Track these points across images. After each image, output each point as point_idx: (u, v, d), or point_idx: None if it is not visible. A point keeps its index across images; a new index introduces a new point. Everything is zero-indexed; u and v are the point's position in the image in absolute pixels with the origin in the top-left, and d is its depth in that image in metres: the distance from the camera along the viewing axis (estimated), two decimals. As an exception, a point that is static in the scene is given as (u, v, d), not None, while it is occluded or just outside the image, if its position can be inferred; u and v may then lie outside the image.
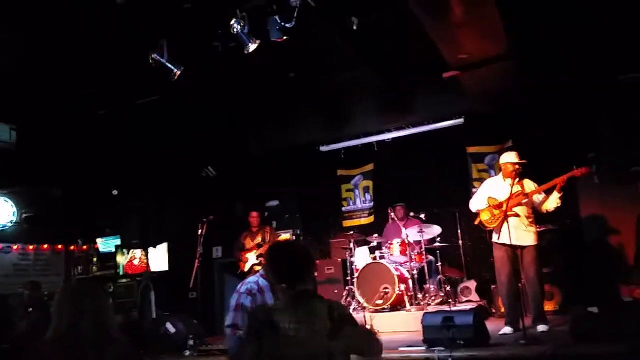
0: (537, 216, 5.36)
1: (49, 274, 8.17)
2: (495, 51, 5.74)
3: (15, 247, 8.01)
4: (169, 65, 5.49)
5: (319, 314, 2.27)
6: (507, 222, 5.11)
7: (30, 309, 5.99)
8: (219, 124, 7.59)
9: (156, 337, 5.88)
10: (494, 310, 6.38)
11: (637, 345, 3.80)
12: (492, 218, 5.28)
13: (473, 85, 6.52)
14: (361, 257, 7.05)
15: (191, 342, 5.56)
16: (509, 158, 5.34)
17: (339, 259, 7.68)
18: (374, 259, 6.93)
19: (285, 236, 7.47)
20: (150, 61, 5.45)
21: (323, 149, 8.70)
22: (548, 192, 5.20)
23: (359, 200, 8.82)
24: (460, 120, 7.57)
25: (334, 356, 2.22)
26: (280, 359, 2.26)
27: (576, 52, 5.88)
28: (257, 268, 6.69)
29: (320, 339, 2.22)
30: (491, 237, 5.36)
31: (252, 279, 3.27)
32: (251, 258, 7.02)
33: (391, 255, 6.88)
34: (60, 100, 6.76)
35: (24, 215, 8.10)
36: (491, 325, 5.04)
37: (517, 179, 5.24)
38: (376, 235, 7.34)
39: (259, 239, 7.07)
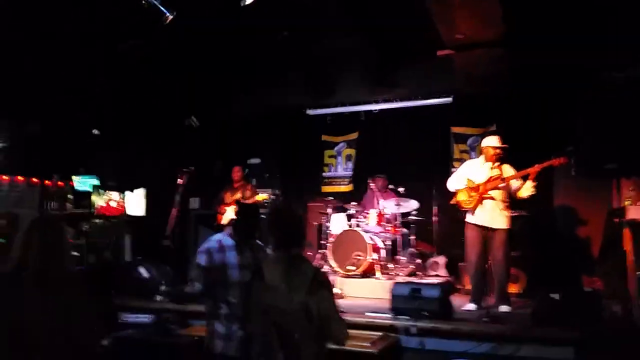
0: (512, 201, 5.51)
1: (22, 206, 8.04)
2: (491, 35, 5.77)
3: (-11, 176, 7.85)
4: (161, 8, 5.35)
5: (304, 273, 2.54)
6: (482, 204, 5.28)
7: (5, 240, 5.94)
8: (207, 77, 7.47)
9: (128, 279, 5.92)
10: (459, 287, 6.60)
11: (590, 332, 4.03)
12: (469, 199, 5.41)
13: (465, 66, 6.55)
14: (337, 223, 7.16)
15: (163, 288, 5.63)
16: (491, 141, 5.44)
17: (315, 223, 7.78)
18: (350, 226, 7.05)
19: (263, 195, 7.47)
20: (142, 1, 5.29)
21: (309, 112, 8.71)
22: (525, 179, 5.32)
23: (340, 167, 8.90)
24: (449, 99, 7.65)
25: (310, 309, 2.45)
26: (267, 308, 2.53)
27: (567, 46, 5.94)
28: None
29: (298, 293, 2.47)
30: (465, 217, 5.50)
31: (216, 236, 3.37)
32: (228, 212, 7.04)
33: (367, 224, 7.01)
34: (43, 32, 6.54)
35: (0, 146, 7.93)
36: (456, 300, 5.25)
37: (497, 163, 5.37)
38: (354, 203, 7.45)
39: (238, 195, 7.08)
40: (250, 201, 6.77)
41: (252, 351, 2.63)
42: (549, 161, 5.15)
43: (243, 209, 3.54)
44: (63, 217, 7.24)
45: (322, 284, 2.58)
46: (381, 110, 8.25)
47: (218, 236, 3.36)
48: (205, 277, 3.21)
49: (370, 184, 7.49)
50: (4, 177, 7.98)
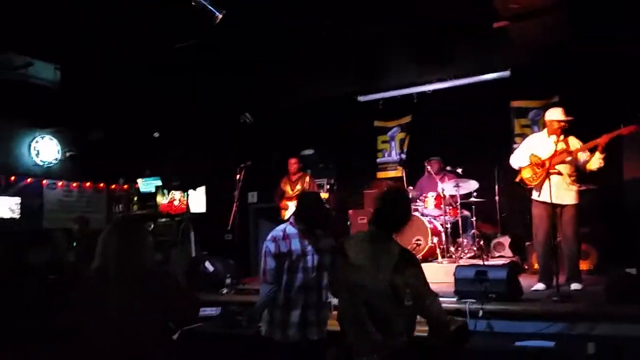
0: (580, 175, 5.25)
1: (91, 211, 8.50)
2: (547, 2, 5.50)
3: (59, 183, 8.33)
4: (211, 8, 5.44)
5: (390, 252, 2.54)
6: (549, 180, 5.04)
7: (75, 243, 6.29)
8: (260, 72, 7.57)
9: (195, 274, 6.12)
10: (526, 267, 6.38)
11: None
12: (534, 175, 5.19)
13: (522, 36, 6.28)
14: (395, 208, 7.07)
15: (228, 281, 5.78)
16: (555, 114, 5.19)
17: (371, 210, 7.70)
18: (408, 210, 6.94)
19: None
20: (192, 2, 5.41)
21: (361, 98, 8.61)
22: (592, 151, 5.06)
23: (394, 152, 8.77)
24: (506, 73, 7.36)
25: (397, 288, 2.45)
26: (354, 287, 2.58)
27: (630, 6, 5.57)
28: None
29: (384, 272, 2.48)
30: (531, 194, 5.29)
31: (280, 226, 3.50)
32: (291, 206, 7.09)
33: (425, 208, 6.89)
34: (105, 42, 6.82)
35: (67, 154, 8.38)
36: (523, 281, 5.05)
37: (562, 136, 5.12)
38: (411, 187, 7.33)
39: (298, 187, 7.12)
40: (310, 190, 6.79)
41: (343, 327, 2.69)
42: (618, 130, 4.89)
43: (301, 198, 3.65)
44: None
45: (409, 262, 2.56)
46: (434, 91, 8.03)
47: (282, 226, 3.49)
48: (276, 264, 3.34)
49: (427, 167, 7.34)
50: (74, 184, 8.45)
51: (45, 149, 8.13)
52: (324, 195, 6.98)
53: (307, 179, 7.28)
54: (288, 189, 7.29)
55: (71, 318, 2.45)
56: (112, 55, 7.05)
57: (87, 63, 7.31)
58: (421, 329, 3.88)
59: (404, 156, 8.51)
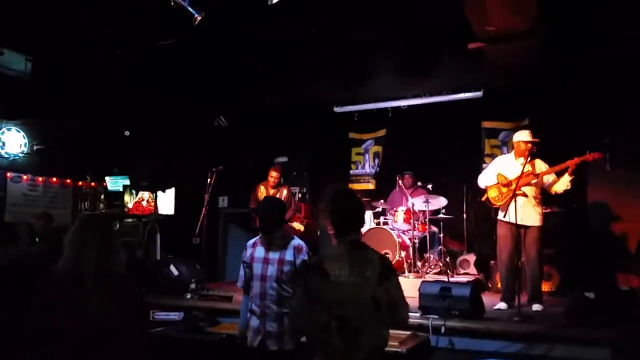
0: (545, 197, 5.38)
1: (56, 207, 8.29)
2: (523, 27, 5.62)
3: (25, 177, 8.10)
4: (190, 9, 5.41)
5: (373, 262, 2.46)
6: (515, 201, 5.14)
7: (38, 239, 6.10)
8: (235, 74, 7.52)
9: (159, 277, 6.02)
10: (490, 285, 6.48)
11: (627, 333, 3.89)
12: (500, 195, 5.30)
13: (496, 58, 6.40)
14: (365, 220, 7.11)
15: (193, 286, 5.70)
16: (523, 136, 5.31)
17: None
18: (377, 224, 6.99)
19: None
20: (172, 3, 5.36)
21: (337, 109, 8.66)
22: (559, 174, 5.20)
23: (368, 165, 8.83)
24: (479, 93, 7.51)
25: (378, 300, 2.38)
26: (331, 303, 2.43)
27: (605, 34, 5.75)
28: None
29: (369, 285, 2.40)
30: (496, 214, 5.39)
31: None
32: None
33: (395, 222, 6.95)
34: (78, 35, 6.69)
35: (34, 147, 8.17)
36: (486, 299, 5.14)
37: (529, 158, 5.23)
38: (382, 201, 7.38)
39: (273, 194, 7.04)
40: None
41: (308, 339, 2.64)
42: (583, 156, 5.03)
43: (260, 203, 3.65)
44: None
45: (389, 271, 2.50)
46: (409, 107, 8.13)
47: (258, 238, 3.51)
48: (244, 272, 3.41)
49: (399, 181, 7.41)
50: (39, 178, 8.23)
51: (11, 141, 7.90)
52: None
53: (285, 191, 7.15)
54: (261, 193, 7.22)
55: (42, 321, 2.36)
56: (86, 49, 6.92)
57: (59, 56, 7.15)
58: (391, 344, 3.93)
59: (377, 169, 8.58)
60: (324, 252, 2.78)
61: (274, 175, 7.03)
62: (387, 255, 6.46)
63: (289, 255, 3.31)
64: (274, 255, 3.32)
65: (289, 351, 3.26)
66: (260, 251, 3.37)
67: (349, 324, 2.40)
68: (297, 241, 3.39)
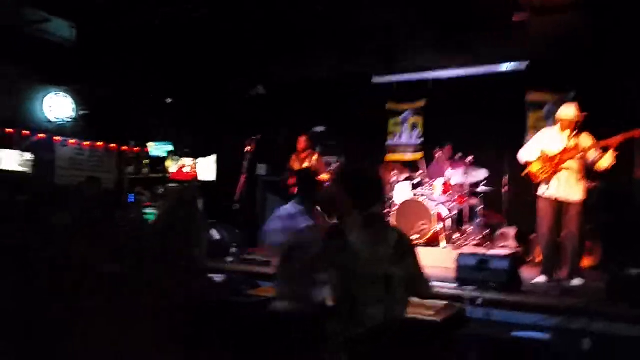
0: (588, 172, 5.26)
1: (101, 171, 8.57)
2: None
3: (72, 141, 8.38)
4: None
5: (388, 240, 2.45)
6: (557, 175, 5.07)
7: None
8: (275, 44, 7.53)
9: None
10: (529, 259, 6.44)
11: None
12: (542, 170, 5.19)
13: (541, 30, 6.25)
14: (402, 192, 7.12)
15: (234, 250, 5.87)
16: (568, 111, 5.17)
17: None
18: (414, 195, 6.99)
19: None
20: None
21: (375, 79, 8.57)
22: (604, 150, 5.06)
23: (405, 136, 8.77)
24: (523, 65, 7.30)
25: (392, 280, 2.39)
26: (345, 273, 2.48)
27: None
28: None
29: (382, 263, 2.40)
30: (537, 189, 5.31)
31: (286, 206, 3.56)
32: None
33: (432, 193, 6.93)
34: (122, 3, 6.81)
35: (81, 112, 8.41)
36: (526, 273, 5.13)
37: (574, 133, 5.12)
38: (420, 172, 7.36)
39: (306, 164, 7.14)
40: (314, 169, 6.82)
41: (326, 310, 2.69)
42: (630, 132, 4.87)
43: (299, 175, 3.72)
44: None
45: (407, 251, 2.49)
46: (450, 78, 7.99)
47: (287, 205, 3.57)
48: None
49: (438, 153, 7.35)
50: (85, 142, 8.50)
51: (58, 106, 8.14)
52: (325, 176, 6.95)
53: (315, 157, 7.24)
54: (296, 165, 7.32)
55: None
56: (130, 18, 7.04)
57: (104, 23, 7.30)
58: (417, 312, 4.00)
59: (419, 140, 8.52)
60: (345, 223, 2.68)
61: (301, 141, 7.25)
62: (423, 227, 6.48)
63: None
64: (304, 225, 3.38)
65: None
66: (295, 222, 3.42)
67: (357, 297, 2.41)
68: None
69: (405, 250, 2.48)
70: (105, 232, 2.66)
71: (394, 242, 2.45)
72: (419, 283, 2.55)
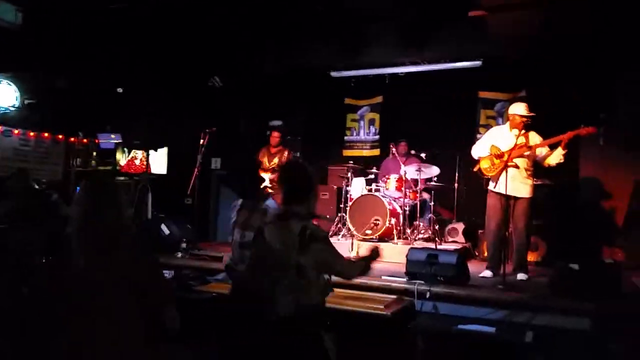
0: (537, 169, 5.40)
1: (47, 162, 8.25)
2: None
3: (16, 131, 8.02)
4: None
5: (292, 231, 2.58)
6: (506, 172, 5.17)
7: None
8: (232, 36, 7.40)
9: (150, 236, 6.05)
10: (477, 254, 6.58)
11: (606, 305, 3.98)
12: (492, 166, 5.31)
13: (497, 28, 6.35)
14: (357, 187, 7.15)
15: (184, 245, 5.75)
16: (518, 109, 5.29)
17: (334, 186, 7.81)
18: (370, 190, 7.03)
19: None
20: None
21: (334, 74, 8.54)
22: (552, 147, 5.20)
23: (362, 132, 8.81)
24: (478, 63, 7.42)
25: (304, 268, 2.54)
26: (261, 263, 2.70)
27: (610, 10, 5.67)
28: (270, 190, 6.76)
29: (290, 252, 2.55)
30: (487, 185, 5.42)
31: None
32: (266, 178, 7.04)
33: (386, 189, 6.98)
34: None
35: (26, 101, 8.05)
36: (473, 267, 5.23)
37: (523, 131, 5.24)
38: (374, 168, 7.40)
39: (275, 160, 7.06)
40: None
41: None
42: (577, 130, 5.01)
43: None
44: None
45: (311, 239, 2.58)
46: (407, 74, 8.05)
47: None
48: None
49: (392, 149, 7.41)
50: (31, 133, 8.15)
51: (2, 94, 7.79)
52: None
53: (286, 153, 7.19)
54: (265, 160, 7.21)
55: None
56: (79, 2, 6.77)
57: (51, 8, 6.99)
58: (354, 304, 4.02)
59: (376, 136, 8.57)
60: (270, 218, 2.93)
61: (275, 136, 7.17)
62: (377, 222, 6.51)
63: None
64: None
65: None
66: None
67: (275, 286, 2.56)
68: None
69: (311, 239, 2.58)
70: (37, 224, 2.53)
71: (298, 231, 2.57)
72: (333, 267, 2.69)
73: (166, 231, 6.01)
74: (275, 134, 7.22)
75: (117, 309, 2.19)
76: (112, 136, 7.96)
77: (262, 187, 6.94)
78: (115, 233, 2.30)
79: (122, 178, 7.47)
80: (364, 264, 2.92)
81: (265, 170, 7.07)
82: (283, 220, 2.67)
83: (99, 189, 2.39)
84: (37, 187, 6.07)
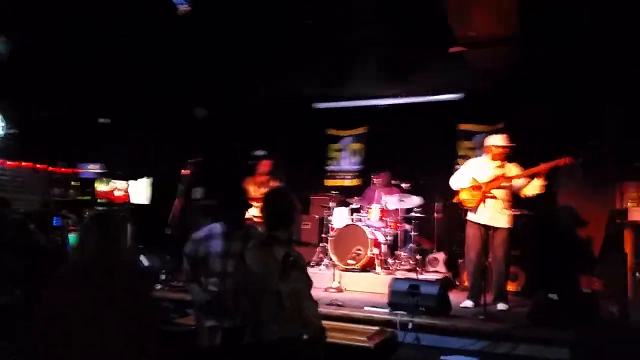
0: (516, 200, 5.49)
1: (25, 192, 8.11)
2: (505, 32, 5.71)
3: (-6, 161, 7.90)
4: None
5: (275, 257, 2.59)
6: (484, 203, 5.26)
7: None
8: (216, 67, 7.48)
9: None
10: (457, 283, 6.61)
11: (585, 334, 4.03)
12: (471, 198, 5.38)
13: (476, 62, 6.53)
14: (340, 217, 7.16)
15: (163, 277, 5.67)
16: (496, 140, 5.41)
17: (316, 216, 7.82)
18: (352, 220, 7.05)
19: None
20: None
21: (317, 105, 8.68)
22: (531, 177, 5.29)
23: (346, 161, 8.90)
24: (459, 95, 7.60)
25: (281, 296, 2.53)
26: (243, 289, 2.75)
27: (587, 42, 5.85)
28: (256, 219, 6.69)
29: (271, 278, 2.56)
30: (466, 215, 5.48)
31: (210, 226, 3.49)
32: (252, 208, 6.93)
33: (368, 219, 7.01)
34: (57, 18, 6.57)
35: (9, 131, 7.96)
36: (453, 297, 5.25)
37: (501, 162, 5.34)
38: (356, 197, 7.45)
39: (263, 190, 6.99)
40: None
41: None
42: (555, 161, 5.10)
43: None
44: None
45: (292, 266, 2.60)
46: (389, 105, 8.22)
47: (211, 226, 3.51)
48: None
49: (374, 179, 7.48)
50: (9, 162, 8.03)
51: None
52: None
53: (276, 182, 7.10)
54: (253, 189, 7.16)
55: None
56: (65, 33, 6.80)
57: (38, 38, 7.01)
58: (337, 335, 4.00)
59: (361, 166, 8.66)
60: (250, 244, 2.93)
61: (265, 164, 6.98)
62: (359, 252, 6.52)
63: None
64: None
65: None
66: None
67: (257, 311, 2.59)
68: None
69: (292, 266, 2.59)
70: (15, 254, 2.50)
71: (280, 257, 2.58)
72: (301, 301, 2.60)
73: (145, 262, 5.93)
74: (266, 162, 7.10)
75: (110, 337, 2.20)
76: (93, 166, 7.88)
77: (246, 217, 6.84)
78: (118, 263, 2.32)
79: (101, 209, 7.38)
80: (323, 329, 2.76)
81: (252, 200, 6.97)
82: (266, 246, 2.68)
83: (107, 222, 2.42)
84: (14, 217, 5.95)
